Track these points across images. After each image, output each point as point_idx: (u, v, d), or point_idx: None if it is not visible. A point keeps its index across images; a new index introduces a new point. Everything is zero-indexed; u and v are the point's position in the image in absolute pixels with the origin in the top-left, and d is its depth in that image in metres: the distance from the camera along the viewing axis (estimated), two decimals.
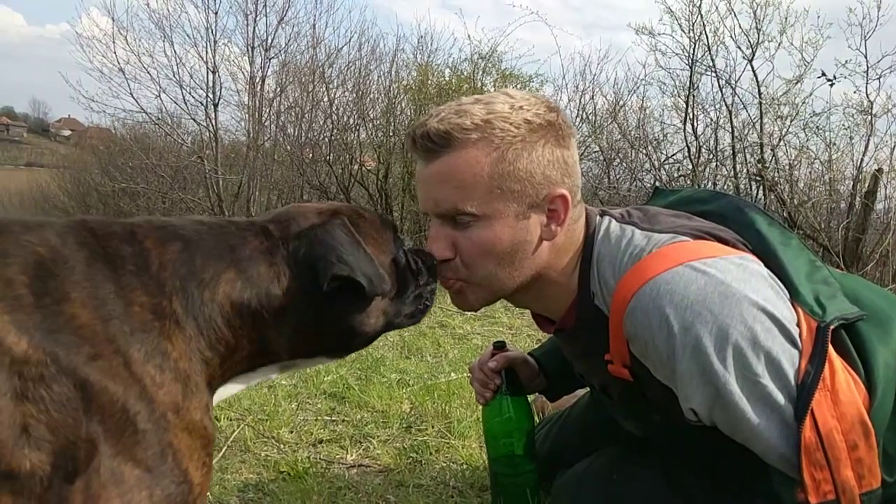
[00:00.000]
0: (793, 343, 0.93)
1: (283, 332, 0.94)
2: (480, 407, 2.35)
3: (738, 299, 0.93)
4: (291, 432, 2.19)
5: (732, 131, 5.95)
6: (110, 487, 0.72)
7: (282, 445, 2.08)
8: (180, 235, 0.89)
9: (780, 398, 0.91)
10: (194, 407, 0.82)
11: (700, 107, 6.31)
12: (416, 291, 1.08)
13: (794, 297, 0.99)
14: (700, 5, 5.96)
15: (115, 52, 9.49)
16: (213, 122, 9.75)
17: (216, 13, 9.54)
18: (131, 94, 9.67)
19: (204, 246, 0.89)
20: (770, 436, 0.92)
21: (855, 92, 5.53)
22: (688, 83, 6.19)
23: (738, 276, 0.96)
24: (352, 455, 1.99)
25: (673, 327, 0.94)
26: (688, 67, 6.17)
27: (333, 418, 2.33)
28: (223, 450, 2.04)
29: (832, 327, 0.94)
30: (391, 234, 1.08)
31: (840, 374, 0.92)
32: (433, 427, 2.17)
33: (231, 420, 2.30)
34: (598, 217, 1.15)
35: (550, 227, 1.09)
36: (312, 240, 0.94)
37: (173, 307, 0.83)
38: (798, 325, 0.96)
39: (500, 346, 1.56)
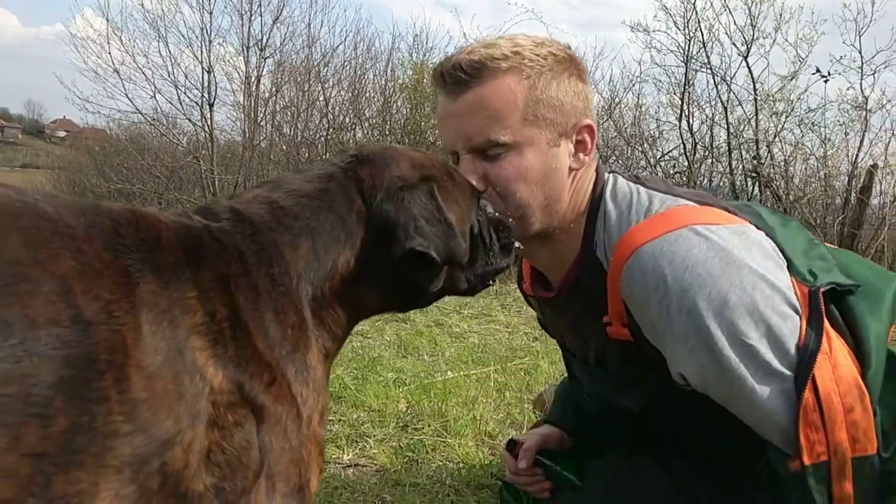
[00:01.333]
0: (794, 309, 0.93)
1: (373, 295, 0.95)
2: (478, 407, 2.36)
3: (738, 266, 0.93)
4: None
5: (728, 128, 5.96)
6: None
7: None
8: (306, 228, 0.87)
9: (777, 366, 0.91)
10: (319, 413, 0.84)
11: (695, 103, 6.33)
12: (485, 267, 1.04)
13: (789, 269, 1.00)
14: (695, 2, 5.96)
15: (109, 53, 9.48)
16: (209, 122, 9.74)
17: (211, 13, 9.53)
18: (126, 95, 9.67)
19: (323, 231, 0.88)
20: (766, 405, 0.91)
21: (849, 88, 5.56)
22: (683, 80, 6.21)
23: (739, 244, 0.96)
24: (348, 454, 1.99)
25: (670, 288, 0.94)
26: (683, 64, 6.18)
27: (330, 418, 2.33)
28: None
29: (823, 290, 0.95)
30: (476, 202, 1.03)
31: (835, 341, 0.92)
32: (429, 426, 2.17)
33: None
34: (607, 174, 1.16)
35: (579, 157, 1.10)
36: (397, 205, 0.91)
37: (308, 318, 0.85)
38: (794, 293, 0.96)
39: (512, 445, 1.53)
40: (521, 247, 1.12)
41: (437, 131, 8.27)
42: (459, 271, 1.01)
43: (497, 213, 1.09)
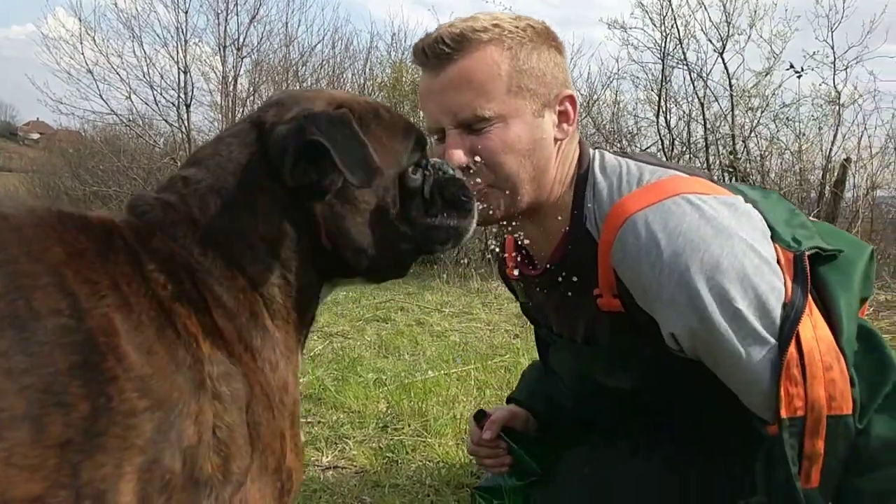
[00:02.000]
0: (780, 279, 0.96)
1: (308, 241, 0.87)
2: (458, 406, 2.35)
3: (729, 234, 0.95)
4: None
5: (705, 123, 6.02)
6: (253, 489, 0.73)
7: None
8: (210, 190, 0.83)
9: (763, 333, 0.92)
10: (293, 376, 0.82)
11: (672, 100, 6.38)
12: (424, 220, 0.94)
13: (773, 237, 1.02)
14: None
15: (82, 54, 9.34)
16: (186, 122, 9.63)
17: (186, 12, 9.41)
18: (100, 96, 9.53)
19: (227, 187, 0.83)
20: (750, 369, 0.93)
21: (822, 83, 5.63)
22: (660, 77, 6.25)
23: (728, 214, 0.99)
24: (327, 457, 1.97)
25: (663, 252, 0.96)
26: (660, 61, 6.22)
27: (309, 420, 2.31)
28: None
29: (808, 254, 0.98)
30: (411, 145, 0.94)
31: (813, 305, 0.95)
32: (409, 426, 2.16)
33: None
34: (592, 150, 1.17)
35: (563, 127, 1.11)
36: (290, 125, 0.83)
37: (256, 278, 0.82)
38: (777, 261, 0.98)
39: (481, 417, 1.53)
40: (482, 207, 1.09)
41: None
42: (394, 219, 0.93)
43: (482, 184, 1.06)
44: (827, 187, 5.52)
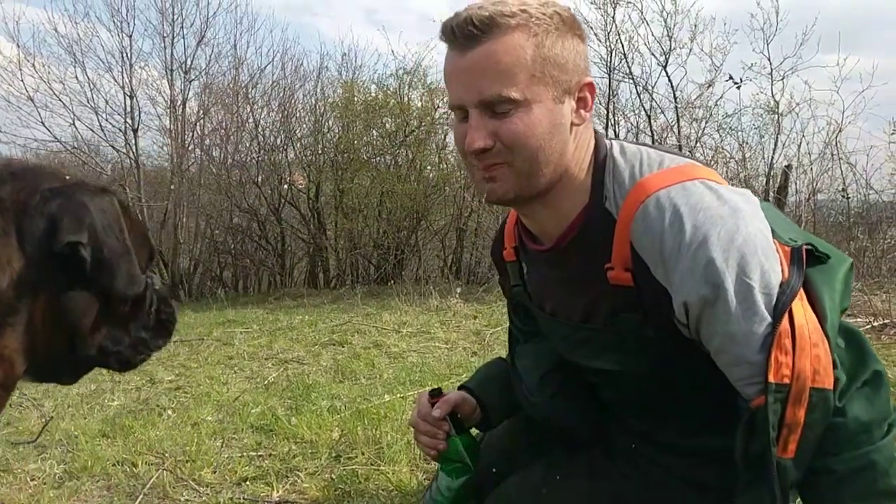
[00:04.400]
0: (779, 262, 1.02)
1: (17, 328, 0.78)
2: (411, 430, 2.31)
3: (742, 216, 1.02)
4: (214, 472, 2.09)
5: (652, 135, 6.15)
6: None
7: (203, 488, 1.97)
8: None
9: (763, 311, 0.98)
10: None
11: (621, 113, 6.51)
12: (139, 333, 0.92)
13: (772, 233, 1.08)
14: (614, 14, 6.15)
15: (22, 80, 9.03)
16: (134, 148, 9.39)
17: (130, 36, 9.22)
18: (42, 123, 9.23)
19: None
20: (745, 340, 0.98)
21: (761, 92, 5.82)
22: (607, 91, 6.37)
23: (742, 201, 1.06)
24: (278, 491, 1.91)
25: (685, 224, 1.01)
26: (606, 75, 6.35)
27: (260, 453, 2.24)
28: (139, 498, 1.92)
29: (805, 248, 1.04)
30: (147, 251, 0.93)
31: (803, 295, 1.02)
32: (363, 454, 2.12)
33: (149, 465, 2.17)
34: (607, 140, 1.22)
35: (580, 113, 1.15)
36: (67, 196, 0.77)
37: None
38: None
39: (436, 394, 1.50)
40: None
41: (370, 149, 8.25)
42: (120, 325, 0.89)
43: (501, 164, 1.10)
44: (771, 193, 5.69)
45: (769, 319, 0.98)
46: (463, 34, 1.10)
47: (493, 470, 1.53)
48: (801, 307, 0.99)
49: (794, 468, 0.97)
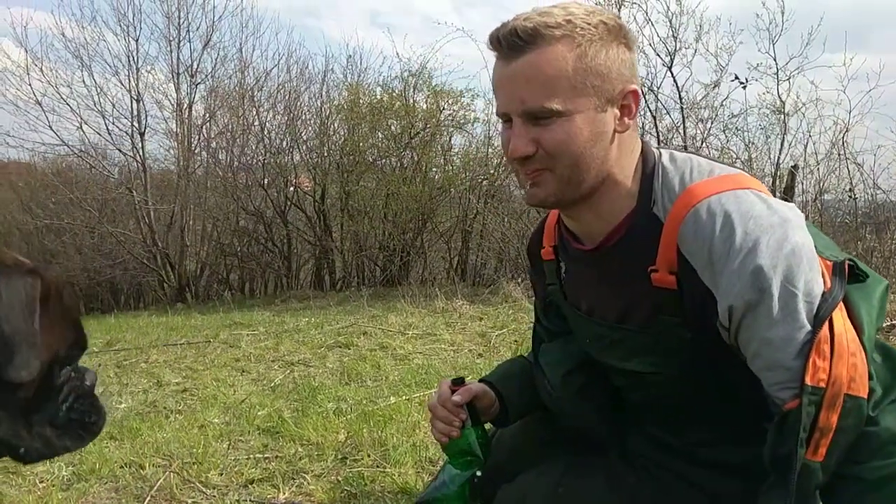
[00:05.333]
0: (822, 275, 1.05)
1: None
2: (419, 433, 2.32)
3: (792, 226, 1.04)
4: (221, 475, 2.10)
5: (658, 136, 6.14)
6: None
7: (210, 490, 1.98)
8: None
9: (804, 320, 1.00)
10: None
11: None
12: (45, 428, 0.87)
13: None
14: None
15: (30, 85, 9.11)
16: (141, 151, 9.46)
17: (137, 40, 9.29)
18: (50, 127, 9.30)
19: None
20: (784, 346, 1.00)
21: (767, 92, 5.80)
22: None
23: (790, 214, 1.08)
24: (284, 493, 1.92)
25: (736, 229, 1.03)
26: None
27: (266, 455, 2.25)
28: (146, 500, 1.93)
29: (847, 263, 1.07)
30: (73, 338, 0.89)
31: (843, 307, 1.04)
32: (369, 456, 2.12)
33: (156, 467, 2.18)
34: (656, 149, 1.25)
35: (624, 121, 1.17)
36: None
37: None
38: None
39: (459, 383, 1.50)
40: None
41: (376, 151, 8.27)
42: (20, 414, 0.84)
43: (542, 170, 1.12)
44: (777, 193, 5.67)
45: (808, 327, 1.00)
46: (508, 45, 1.13)
47: (501, 468, 1.53)
48: (840, 317, 1.01)
49: (821, 471, 0.98)
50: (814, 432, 0.98)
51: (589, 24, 1.12)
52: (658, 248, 1.14)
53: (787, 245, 1.02)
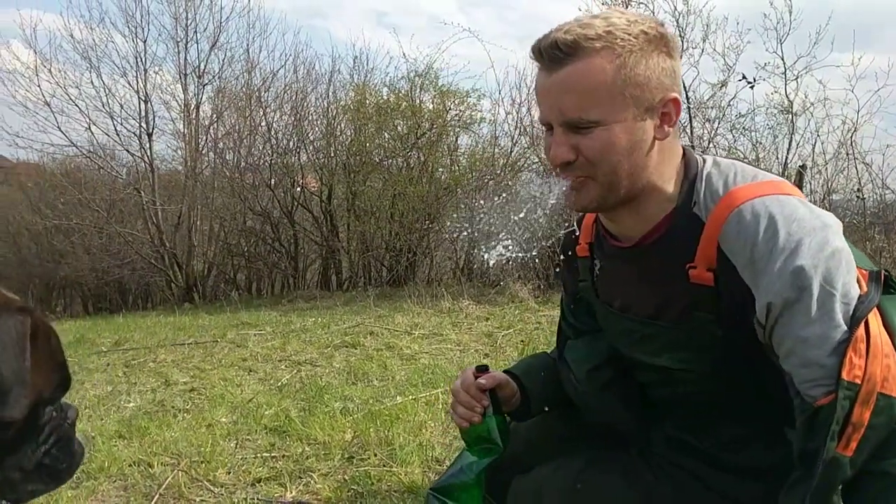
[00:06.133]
0: (859, 281, 1.08)
1: None
2: (425, 433, 2.32)
3: (833, 231, 1.07)
4: (229, 473, 2.11)
5: None
6: None
7: (218, 489, 2.00)
8: None
9: (840, 316, 1.03)
10: None
11: None
12: (20, 471, 0.87)
13: None
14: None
15: (39, 86, 9.17)
16: (149, 152, 9.51)
17: (144, 41, 9.33)
18: (59, 128, 9.35)
19: None
20: (819, 345, 1.02)
21: (775, 92, 5.78)
22: None
23: (830, 219, 1.11)
24: (291, 492, 1.93)
25: (779, 230, 1.06)
26: None
27: (273, 454, 2.26)
28: (155, 498, 1.95)
29: (884, 273, 1.11)
30: (58, 379, 0.89)
31: (877, 313, 1.07)
32: (375, 455, 2.13)
33: (165, 466, 2.20)
34: (698, 155, 1.27)
35: (663, 128, 1.19)
36: None
37: None
38: None
39: (483, 370, 1.50)
40: None
41: (382, 152, 8.28)
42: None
43: (582, 177, 1.14)
44: None
45: (844, 327, 1.02)
46: (549, 57, 1.15)
47: (517, 458, 1.53)
48: (876, 320, 1.04)
49: (848, 466, 1.01)
50: (846, 427, 1.00)
51: (629, 34, 1.14)
52: (697, 246, 1.17)
53: (827, 248, 1.05)
